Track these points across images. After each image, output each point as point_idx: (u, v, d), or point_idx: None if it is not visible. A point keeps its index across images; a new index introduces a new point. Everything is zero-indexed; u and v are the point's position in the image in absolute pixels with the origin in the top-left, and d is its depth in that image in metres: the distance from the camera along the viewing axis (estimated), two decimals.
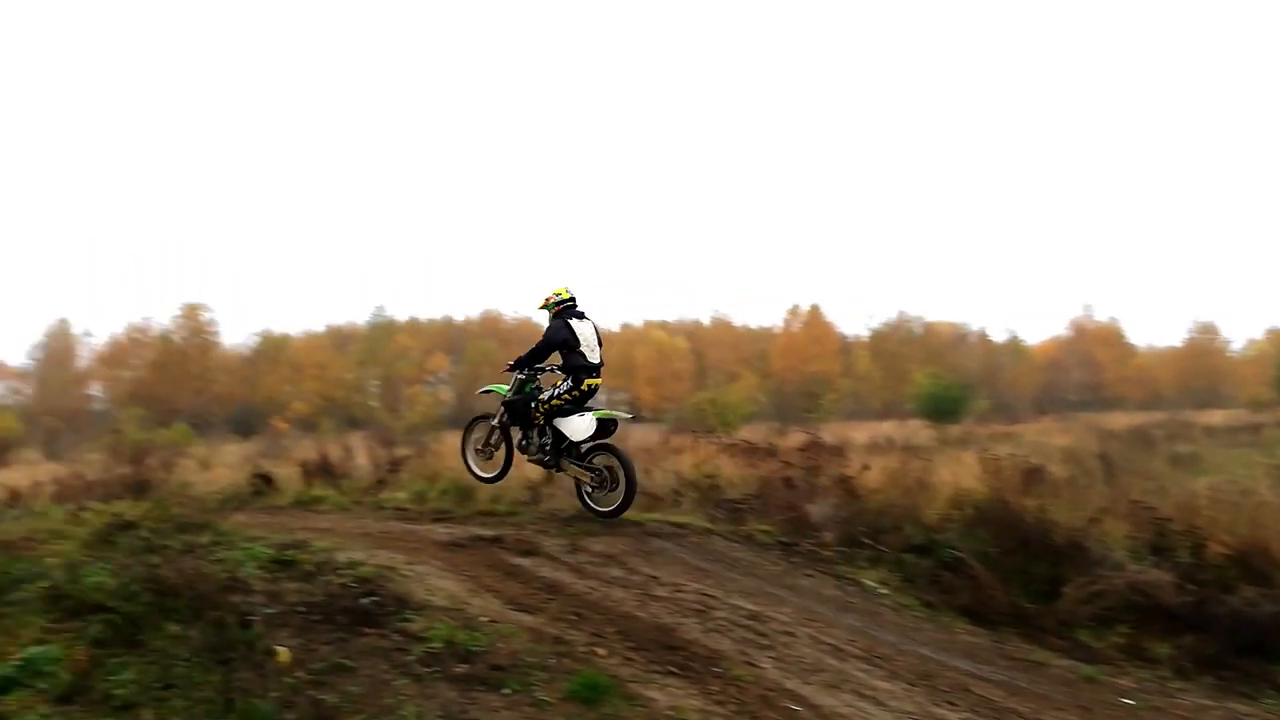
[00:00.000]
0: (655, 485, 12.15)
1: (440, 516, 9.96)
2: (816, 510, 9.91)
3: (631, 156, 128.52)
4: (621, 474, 7.66)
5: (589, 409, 7.77)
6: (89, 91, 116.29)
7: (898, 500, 10.51)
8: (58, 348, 73.88)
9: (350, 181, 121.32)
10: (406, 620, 5.96)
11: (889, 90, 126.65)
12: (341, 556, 6.99)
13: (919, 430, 35.58)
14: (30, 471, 24.19)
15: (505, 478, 8.98)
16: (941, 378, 45.07)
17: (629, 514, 8.98)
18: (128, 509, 8.26)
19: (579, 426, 7.52)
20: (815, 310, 79.38)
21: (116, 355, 74.72)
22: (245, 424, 62.39)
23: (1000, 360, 79.59)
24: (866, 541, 9.39)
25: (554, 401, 7.61)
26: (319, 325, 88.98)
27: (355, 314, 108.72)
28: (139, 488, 13.82)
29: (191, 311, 72.78)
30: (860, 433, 29.97)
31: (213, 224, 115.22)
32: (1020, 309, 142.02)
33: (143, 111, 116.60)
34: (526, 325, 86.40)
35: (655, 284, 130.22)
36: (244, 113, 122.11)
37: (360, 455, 17.00)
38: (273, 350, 78.49)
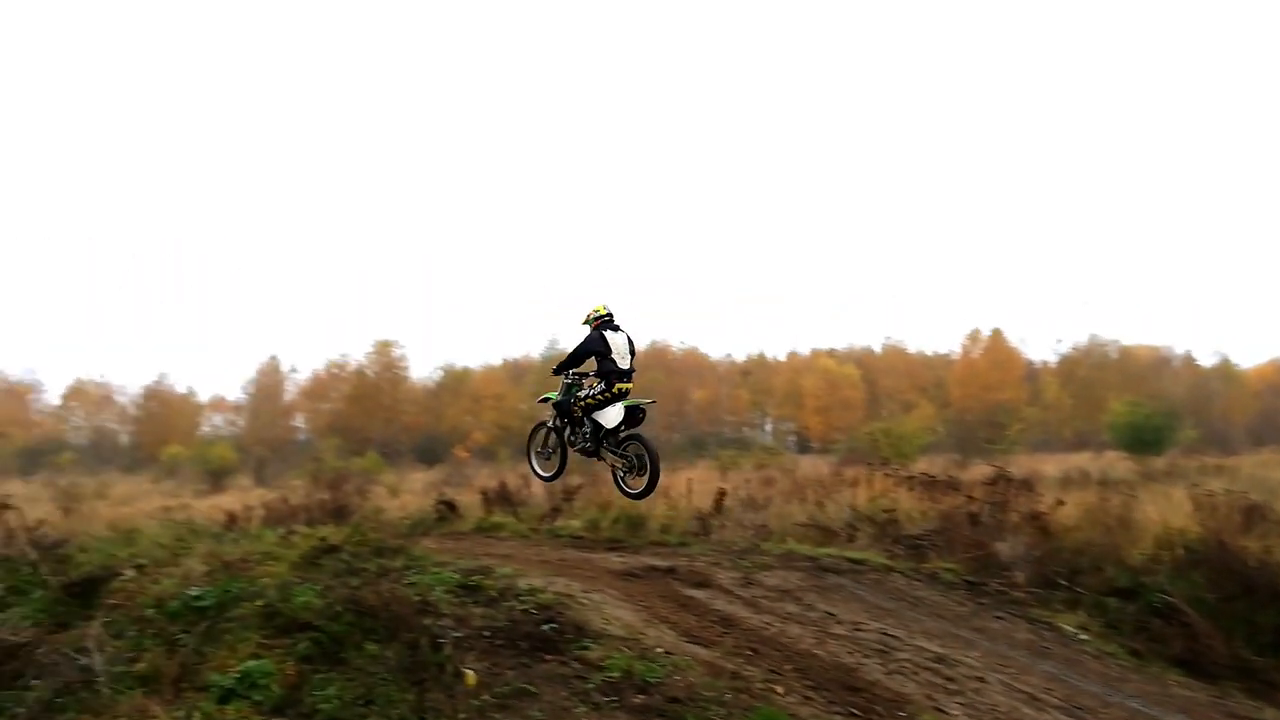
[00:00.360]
0: (828, 518, 11.86)
1: (614, 545, 10.13)
2: (1006, 548, 9.38)
3: (797, 177, 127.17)
4: (647, 460, 8.44)
5: (619, 390, 8.78)
6: (280, 139, 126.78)
7: (1097, 539, 9.77)
8: (267, 383, 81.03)
9: (523, 217, 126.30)
10: (585, 648, 6.06)
11: (1068, 95, 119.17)
12: (522, 583, 7.20)
13: (1117, 463, 32.93)
14: (242, 496, 26.40)
15: (561, 476, 9.87)
16: (1142, 406, 41.52)
17: (803, 547, 8.90)
18: (331, 533, 8.84)
19: (611, 415, 8.52)
20: (997, 335, 75.13)
21: (317, 389, 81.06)
22: (430, 452, 65.84)
23: (1210, 386, 72.70)
24: (1063, 583, 8.78)
25: (589, 400, 8.60)
26: (497, 358, 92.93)
27: (530, 347, 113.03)
28: (337, 512, 14.79)
29: (383, 348, 77.90)
30: (1050, 465, 28.10)
31: (403, 264, 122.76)
32: (1230, 330, 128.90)
33: (336, 159, 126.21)
34: (693, 355, 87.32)
35: (823, 311, 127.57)
36: (426, 158, 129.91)
37: (535, 484, 17.52)
38: (455, 383, 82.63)
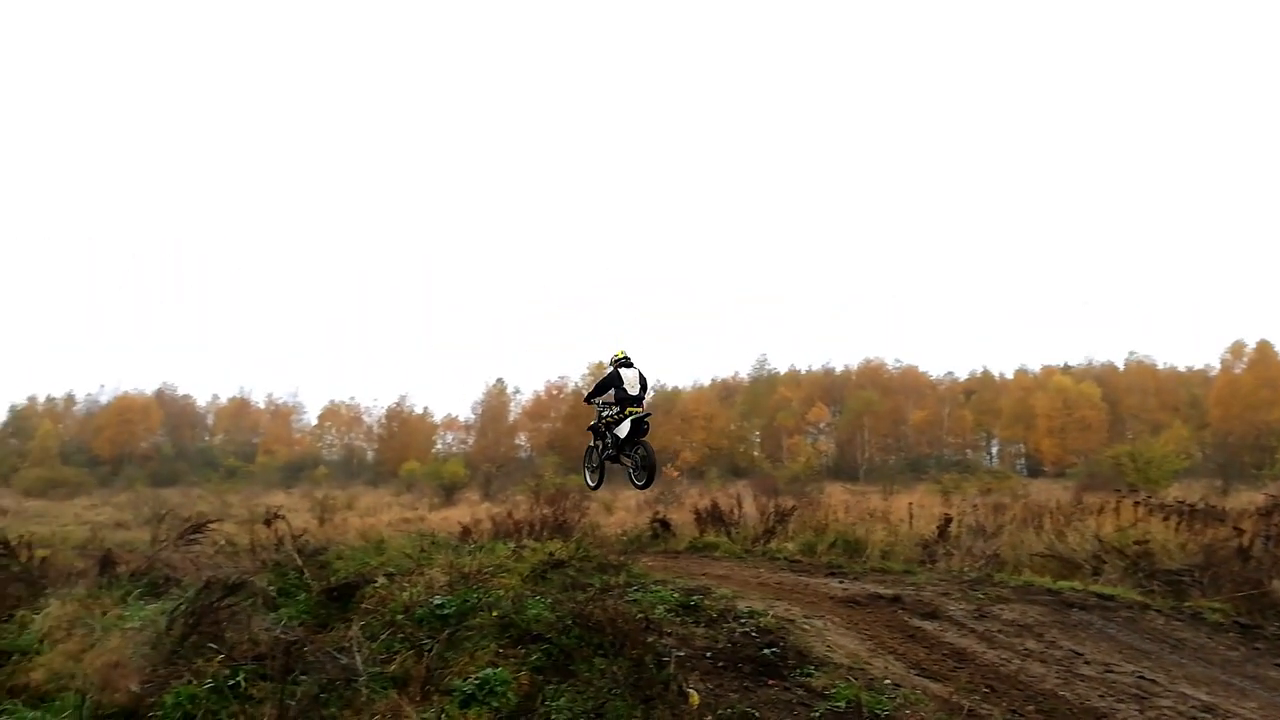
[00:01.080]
0: (1070, 549, 10.97)
1: (833, 571, 9.86)
2: None
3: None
4: (649, 460, 10.60)
5: (630, 414, 10.94)
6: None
7: None
8: (494, 404, 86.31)
9: (735, 237, 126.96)
10: (808, 675, 5.92)
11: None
12: (742, 605, 7.16)
13: None
14: (471, 510, 28.16)
15: (602, 485, 12.24)
16: None
17: (1042, 580, 8.34)
18: (558, 549, 9.20)
19: (623, 428, 10.78)
20: (1264, 347, 66.62)
21: (539, 409, 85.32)
22: None
23: None
24: None
25: (608, 418, 11.04)
26: (706, 378, 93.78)
27: (739, 367, 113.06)
28: (558, 528, 15.39)
29: (598, 369, 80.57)
30: None
31: (602, 292, 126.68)
32: None
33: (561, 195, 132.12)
34: (911, 373, 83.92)
35: (1059, 325, 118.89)
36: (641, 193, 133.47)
37: (747, 504, 17.44)
38: (665, 403, 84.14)
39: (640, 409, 10.97)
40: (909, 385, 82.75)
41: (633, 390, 10.91)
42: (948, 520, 13.17)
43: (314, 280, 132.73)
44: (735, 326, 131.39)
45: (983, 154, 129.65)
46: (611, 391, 11.02)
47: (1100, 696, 6.11)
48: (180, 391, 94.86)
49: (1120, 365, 78.70)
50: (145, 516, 26.91)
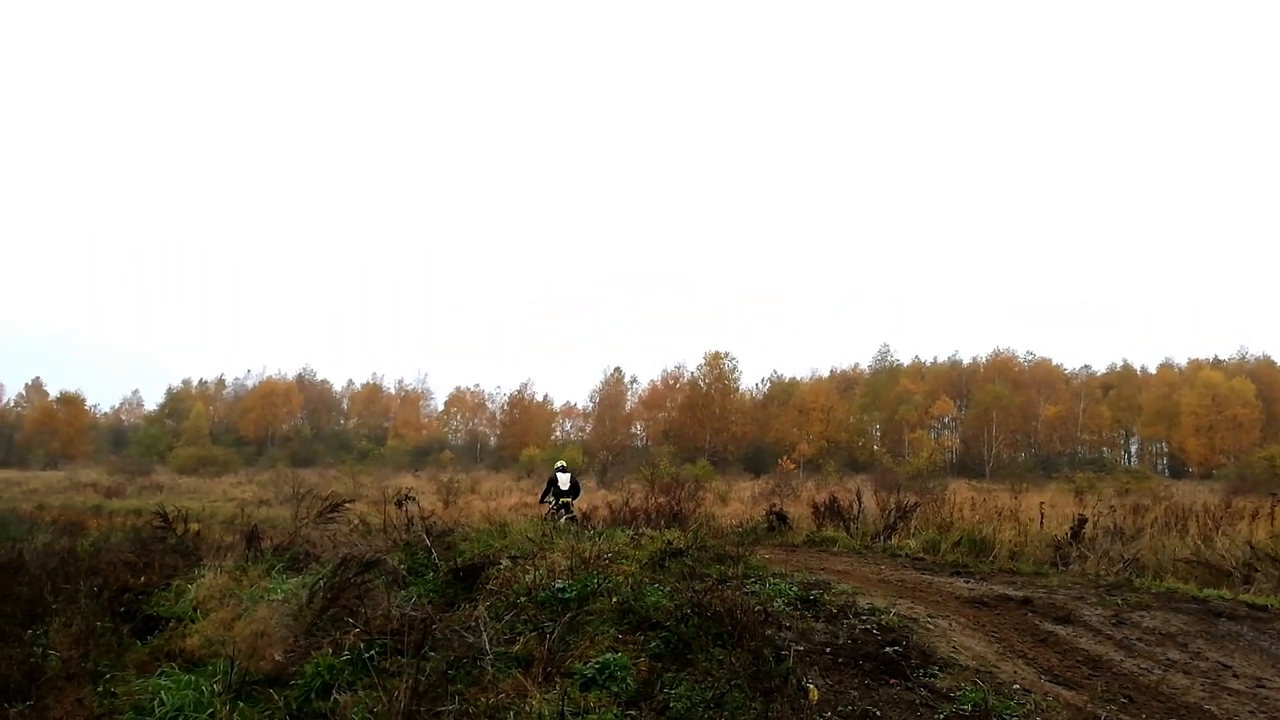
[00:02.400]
0: (1218, 555, 10.30)
1: (959, 570, 9.57)
2: None
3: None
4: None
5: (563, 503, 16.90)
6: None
7: None
8: (611, 393, 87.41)
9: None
10: (932, 676, 5.76)
11: None
12: (863, 602, 7.03)
13: None
14: (588, 498, 28.55)
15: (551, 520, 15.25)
16: None
17: (1187, 587, 7.83)
18: (676, 538, 9.26)
19: (555, 505, 16.83)
20: None
21: (654, 399, 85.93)
22: (756, 462, 66.97)
23: None
24: None
25: (552, 500, 17.08)
26: (825, 369, 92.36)
27: (860, 357, 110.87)
28: (673, 517, 15.49)
29: (715, 360, 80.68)
30: None
31: (731, 278, 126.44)
32: None
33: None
34: (1044, 366, 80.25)
35: (1207, 315, 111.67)
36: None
37: (867, 499, 17.10)
38: (783, 394, 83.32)
39: (569, 498, 17.06)
40: (1041, 379, 79.16)
41: (564, 487, 17.04)
42: (1082, 521, 12.57)
43: (444, 271, 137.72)
44: (855, 317, 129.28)
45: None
46: (552, 489, 17.13)
47: (1250, 713, 5.72)
48: (319, 376, 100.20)
49: (1278, 360, 73.03)
50: (286, 495, 28.54)
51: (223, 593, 7.82)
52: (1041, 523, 14.19)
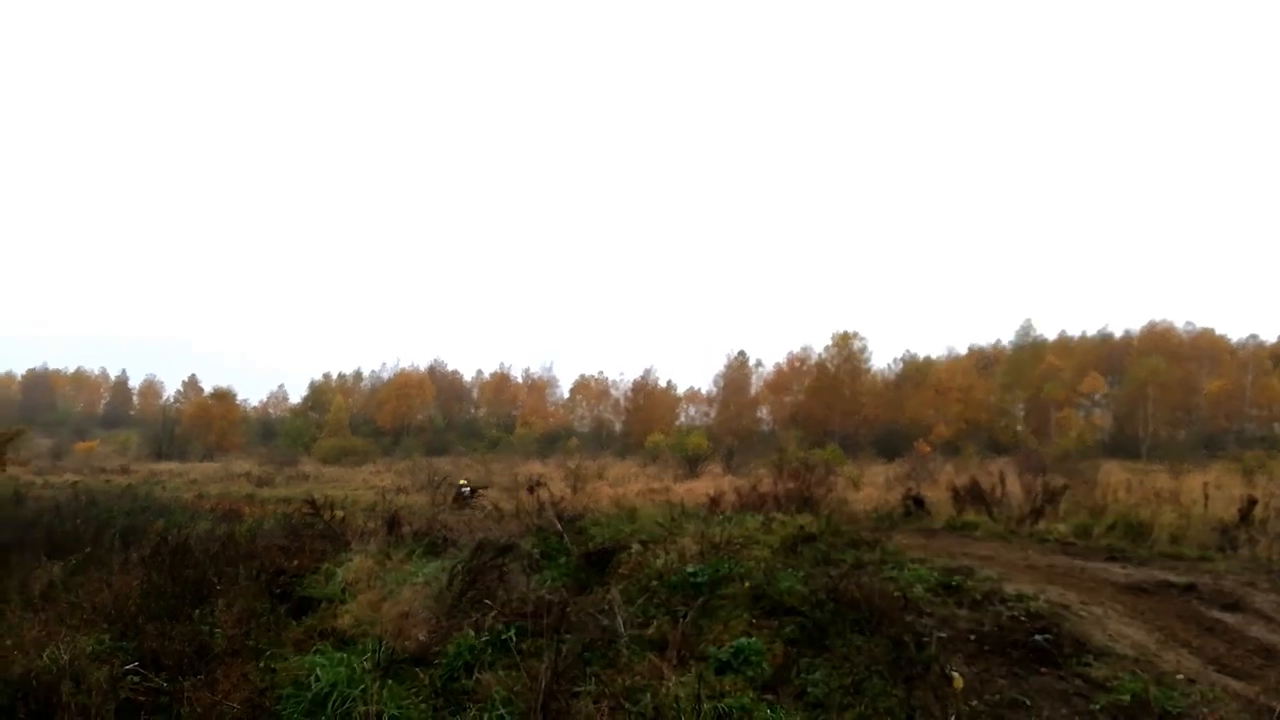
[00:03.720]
0: None
1: (1114, 555, 9.03)
2: None
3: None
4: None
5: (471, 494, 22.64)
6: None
7: None
8: (736, 377, 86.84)
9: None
10: (1086, 664, 5.45)
11: None
12: (1009, 588, 6.72)
13: None
14: (715, 482, 28.50)
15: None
16: None
17: None
18: (808, 523, 9.11)
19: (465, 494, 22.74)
20: None
21: (780, 382, 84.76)
22: (889, 445, 65.07)
23: None
24: None
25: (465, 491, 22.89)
26: (962, 347, 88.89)
27: (1000, 333, 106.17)
28: (804, 502, 15.22)
29: (843, 340, 78.81)
30: None
31: (861, 255, 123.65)
32: None
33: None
34: (1206, 338, 74.69)
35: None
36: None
37: (1010, 482, 16.36)
38: (917, 374, 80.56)
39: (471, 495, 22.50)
40: (1203, 351, 73.61)
41: (465, 491, 22.87)
42: (1252, 502, 11.65)
43: (569, 260, 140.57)
44: (994, 293, 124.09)
45: None
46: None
47: None
48: (449, 367, 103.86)
49: None
50: (422, 482, 29.74)
51: (369, 576, 8.20)
52: (1206, 505, 13.26)
